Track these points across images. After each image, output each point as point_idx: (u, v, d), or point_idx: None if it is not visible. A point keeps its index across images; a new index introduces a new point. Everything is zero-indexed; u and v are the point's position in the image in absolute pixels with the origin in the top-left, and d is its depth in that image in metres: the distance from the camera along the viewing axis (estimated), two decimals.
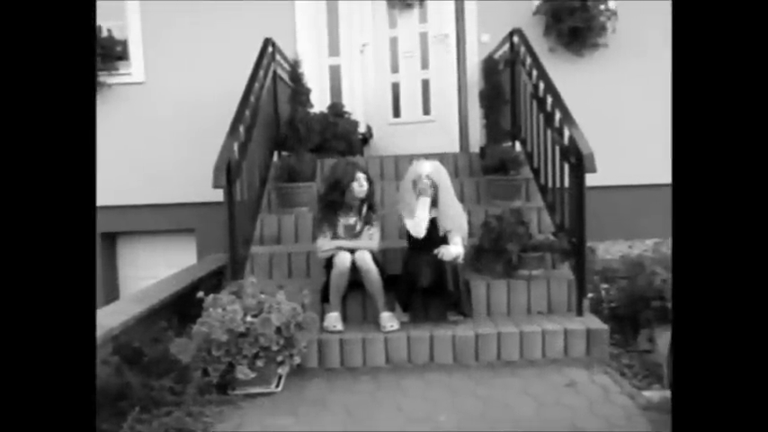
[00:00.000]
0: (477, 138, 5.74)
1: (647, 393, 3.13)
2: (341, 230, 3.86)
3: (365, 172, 3.92)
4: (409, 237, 3.83)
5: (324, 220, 3.89)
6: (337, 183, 3.86)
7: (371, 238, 3.86)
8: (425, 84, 6.14)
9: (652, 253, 4.53)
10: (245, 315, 3.22)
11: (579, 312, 3.82)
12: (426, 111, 6.14)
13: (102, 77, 5.79)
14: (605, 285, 4.36)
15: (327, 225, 3.86)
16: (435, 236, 3.75)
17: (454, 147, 5.88)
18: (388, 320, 3.69)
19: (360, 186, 3.85)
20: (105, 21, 5.79)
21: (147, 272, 5.81)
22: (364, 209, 3.91)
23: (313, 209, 4.51)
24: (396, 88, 6.25)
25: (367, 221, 3.89)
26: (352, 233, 3.86)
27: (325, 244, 3.83)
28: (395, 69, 6.25)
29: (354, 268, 3.71)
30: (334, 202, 3.88)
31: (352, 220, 3.89)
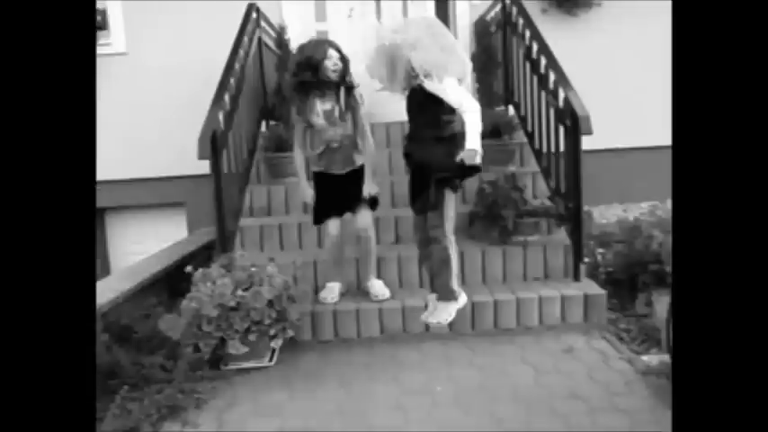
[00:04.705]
0: None
1: (645, 358, 3.10)
2: (320, 117, 3.48)
3: (338, 49, 3.48)
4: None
5: (296, 108, 3.52)
6: (308, 61, 3.41)
7: (348, 126, 3.53)
8: None
9: (648, 216, 4.46)
10: (236, 289, 3.14)
11: (576, 278, 3.77)
12: None
13: None
14: (601, 250, 4.30)
15: (300, 117, 3.51)
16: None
17: None
18: (380, 289, 3.62)
19: (334, 64, 3.43)
20: None
21: (137, 247, 5.73)
22: (341, 92, 3.50)
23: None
24: None
25: (348, 106, 3.50)
26: (332, 119, 3.49)
27: (298, 160, 3.61)
28: None
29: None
30: (305, 83, 3.45)
31: (328, 105, 3.49)
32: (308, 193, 3.65)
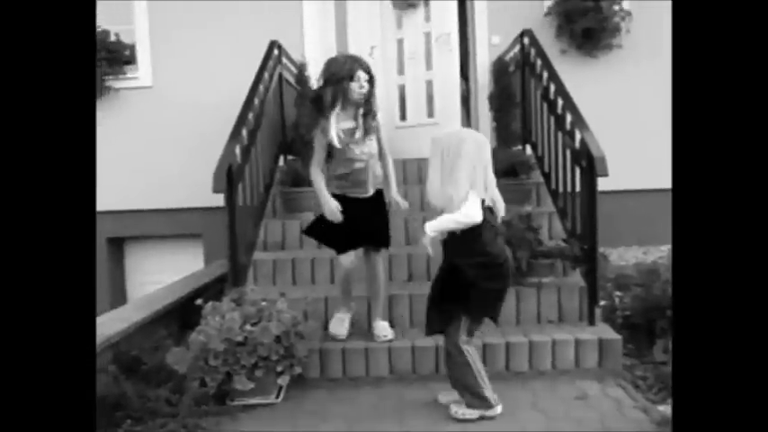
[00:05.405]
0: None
1: (661, 408, 2.99)
2: (342, 135, 3.35)
3: (367, 70, 3.36)
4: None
5: (320, 124, 3.38)
6: (332, 78, 3.31)
7: (372, 144, 3.45)
8: (429, 85, 5.92)
9: (667, 260, 4.38)
10: (245, 323, 3.13)
11: (591, 321, 3.68)
12: (430, 113, 5.91)
13: (110, 82, 5.76)
14: (619, 293, 4.22)
15: (323, 134, 3.35)
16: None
17: None
18: (383, 329, 3.54)
19: (360, 87, 3.32)
20: (113, 25, 5.78)
21: (154, 277, 5.77)
22: (360, 114, 3.38)
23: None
24: (402, 90, 6.12)
25: (367, 130, 3.39)
26: (353, 138, 3.37)
27: (318, 178, 3.40)
28: (401, 71, 6.12)
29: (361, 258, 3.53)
30: (322, 99, 3.34)
31: (350, 124, 3.38)
32: (332, 204, 3.37)
